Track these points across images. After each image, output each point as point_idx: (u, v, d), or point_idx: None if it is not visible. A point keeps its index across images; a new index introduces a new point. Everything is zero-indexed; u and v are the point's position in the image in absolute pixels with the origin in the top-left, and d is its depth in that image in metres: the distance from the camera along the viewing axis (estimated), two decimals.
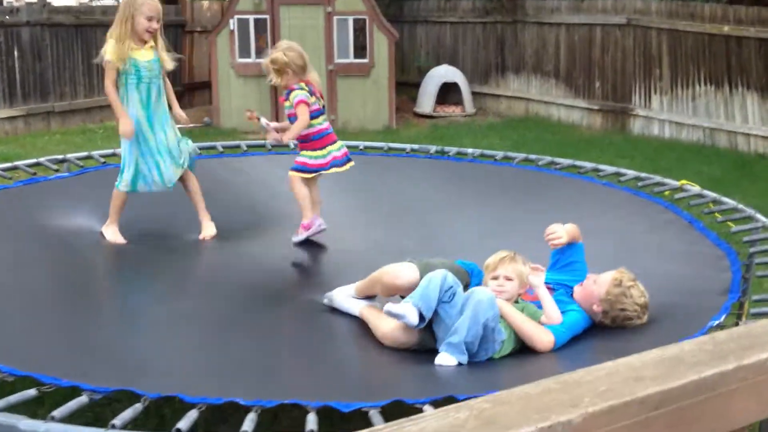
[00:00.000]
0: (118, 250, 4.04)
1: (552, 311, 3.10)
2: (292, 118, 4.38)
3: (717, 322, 2.83)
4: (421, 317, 2.99)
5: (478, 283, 3.33)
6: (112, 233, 4.17)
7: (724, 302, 3.00)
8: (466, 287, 3.25)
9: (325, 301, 3.57)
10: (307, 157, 4.40)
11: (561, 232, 3.29)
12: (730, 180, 8.46)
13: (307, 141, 4.41)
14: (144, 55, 4.17)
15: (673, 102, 10.44)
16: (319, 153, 4.36)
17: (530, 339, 3.07)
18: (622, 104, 11.12)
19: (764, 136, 9.37)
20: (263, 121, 4.51)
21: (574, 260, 3.40)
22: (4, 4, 11.82)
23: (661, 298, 3.26)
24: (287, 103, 4.42)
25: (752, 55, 9.32)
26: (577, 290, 3.26)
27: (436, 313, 3.01)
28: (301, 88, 4.36)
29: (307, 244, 4.31)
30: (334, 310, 3.47)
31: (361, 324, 3.32)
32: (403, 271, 3.32)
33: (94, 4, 15.46)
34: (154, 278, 3.86)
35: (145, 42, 4.13)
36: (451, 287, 3.02)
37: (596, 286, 3.18)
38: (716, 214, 4.02)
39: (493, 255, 3.34)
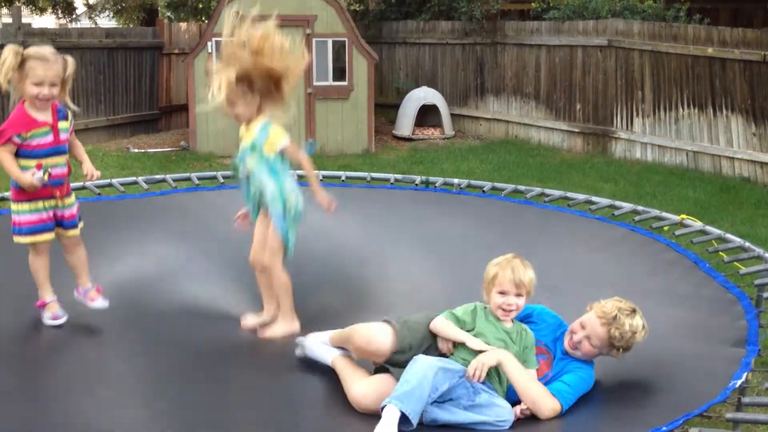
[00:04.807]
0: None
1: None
2: (65, 145, 3.39)
3: (739, 381, 2.63)
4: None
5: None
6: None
7: (743, 356, 2.80)
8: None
9: (298, 351, 3.27)
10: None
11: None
12: (716, 205, 8.36)
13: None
14: None
15: (656, 125, 10.35)
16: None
17: (534, 404, 2.81)
18: (604, 127, 11.02)
19: (749, 159, 9.28)
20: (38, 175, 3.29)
21: (528, 314, 3.15)
22: None
23: (671, 349, 3.06)
24: (66, 124, 3.38)
25: (736, 77, 9.26)
26: (574, 353, 3.00)
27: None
28: None
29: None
30: (306, 362, 3.18)
31: (334, 380, 3.02)
32: (376, 337, 2.93)
33: (71, 26, 15.17)
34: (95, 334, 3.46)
35: None
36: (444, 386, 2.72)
37: (593, 347, 2.93)
38: (721, 254, 3.83)
39: (497, 261, 2.94)
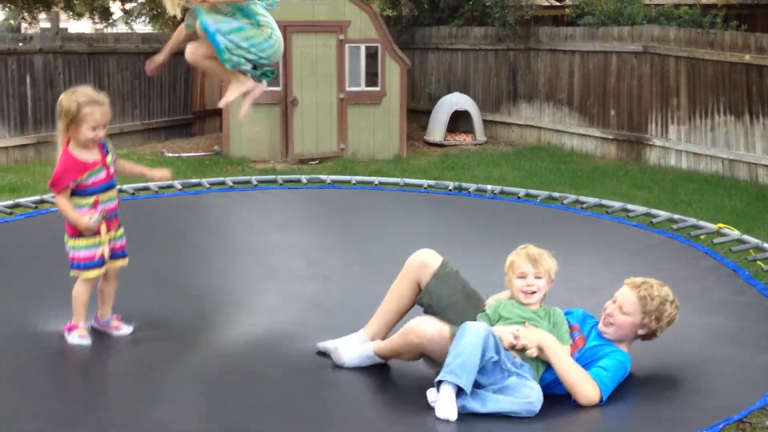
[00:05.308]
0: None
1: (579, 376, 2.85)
2: (115, 179, 3.49)
3: None
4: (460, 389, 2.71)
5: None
6: None
7: None
8: None
9: (320, 345, 3.31)
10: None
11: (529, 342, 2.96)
12: (753, 214, 8.24)
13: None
14: None
15: (691, 132, 10.23)
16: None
17: (573, 388, 2.81)
18: (638, 134, 10.92)
19: None
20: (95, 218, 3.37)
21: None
22: (22, 31, 11.75)
23: (711, 354, 3.03)
24: (110, 157, 3.46)
25: None
26: (608, 330, 2.99)
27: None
28: None
29: (309, 291, 4.00)
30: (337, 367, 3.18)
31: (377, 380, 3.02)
32: (428, 253, 3.26)
33: (107, 31, 15.42)
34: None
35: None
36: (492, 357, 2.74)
37: (626, 315, 2.93)
38: (759, 263, 3.78)
39: (516, 251, 3.09)
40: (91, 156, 3.35)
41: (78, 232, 3.37)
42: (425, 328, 2.95)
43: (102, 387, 3.05)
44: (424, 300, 3.21)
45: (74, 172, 3.31)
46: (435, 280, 3.21)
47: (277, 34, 3.52)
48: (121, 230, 3.52)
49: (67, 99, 3.29)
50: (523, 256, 3.02)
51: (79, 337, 3.38)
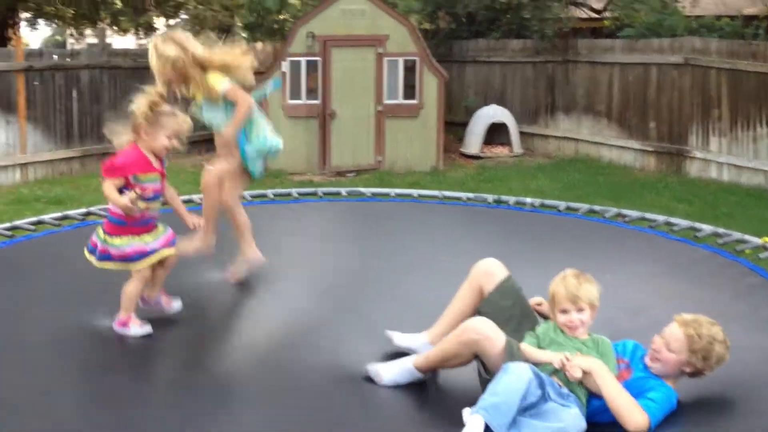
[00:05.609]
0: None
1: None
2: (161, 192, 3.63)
3: None
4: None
5: None
6: None
7: None
8: None
9: (388, 333, 3.34)
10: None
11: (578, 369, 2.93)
12: None
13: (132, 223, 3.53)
14: None
15: (733, 144, 10.10)
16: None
17: (620, 414, 2.79)
18: (678, 146, 10.81)
19: None
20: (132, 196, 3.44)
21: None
22: (68, 47, 12.05)
23: (758, 375, 2.99)
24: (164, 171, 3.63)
25: None
26: (654, 366, 2.97)
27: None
28: None
29: (352, 299, 4.03)
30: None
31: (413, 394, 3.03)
32: (494, 262, 3.29)
33: None
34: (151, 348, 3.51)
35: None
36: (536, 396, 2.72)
37: (672, 353, 2.90)
38: None
39: (555, 279, 3.01)
40: (156, 163, 3.50)
41: (116, 231, 3.46)
42: (484, 325, 2.96)
43: (147, 393, 3.11)
44: (485, 308, 3.24)
45: (139, 166, 3.43)
46: (498, 291, 3.24)
47: (266, 130, 4.02)
48: (160, 228, 3.60)
49: (147, 101, 3.43)
50: (562, 291, 2.97)
51: (140, 327, 3.50)
